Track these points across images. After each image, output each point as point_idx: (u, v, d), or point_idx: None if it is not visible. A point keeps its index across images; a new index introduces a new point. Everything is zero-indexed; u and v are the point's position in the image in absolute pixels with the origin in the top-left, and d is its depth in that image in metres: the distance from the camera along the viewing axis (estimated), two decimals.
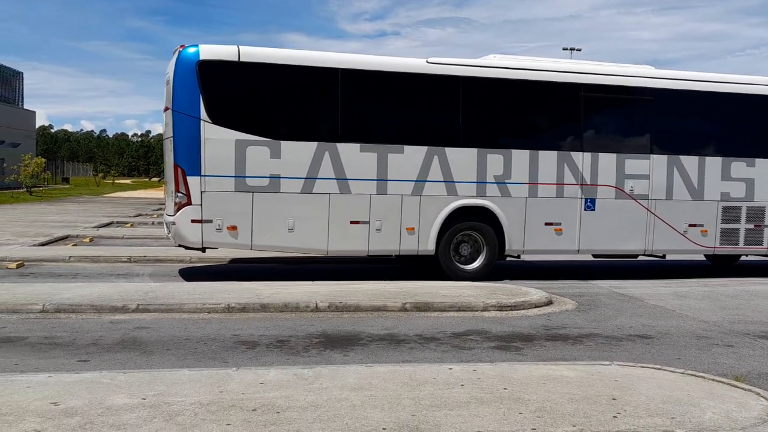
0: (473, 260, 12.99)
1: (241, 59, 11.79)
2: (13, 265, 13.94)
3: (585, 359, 7.78)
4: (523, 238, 12.97)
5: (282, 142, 11.94)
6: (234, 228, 11.74)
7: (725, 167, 13.85)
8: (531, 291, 11.30)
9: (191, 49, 11.67)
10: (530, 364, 7.28)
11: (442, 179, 12.52)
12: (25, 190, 47.50)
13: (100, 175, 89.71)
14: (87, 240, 18.90)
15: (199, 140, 11.55)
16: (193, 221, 11.63)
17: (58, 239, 18.77)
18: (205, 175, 11.59)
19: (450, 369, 6.81)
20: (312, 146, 12.03)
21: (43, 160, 52.04)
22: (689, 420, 5.47)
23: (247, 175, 11.76)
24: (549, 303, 10.89)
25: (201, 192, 11.59)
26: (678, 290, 12.69)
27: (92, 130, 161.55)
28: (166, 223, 12.73)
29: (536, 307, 10.60)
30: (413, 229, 12.48)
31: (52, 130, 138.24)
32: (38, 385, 5.99)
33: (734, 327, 9.68)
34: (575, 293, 12.00)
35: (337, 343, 8.25)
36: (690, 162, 13.67)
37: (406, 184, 12.40)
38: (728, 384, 6.53)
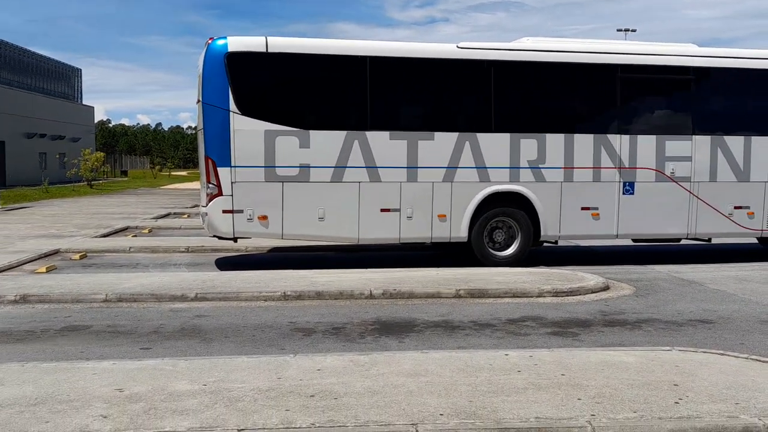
0: (508, 246, 12.85)
1: (269, 50, 11.84)
2: (77, 256, 14.35)
3: (644, 345, 7.65)
4: (559, 224, 12.78)
5: (311, 131, 11.99)
6: (265, 218, 11.86)
7: None
8: (587, 276, 11.14)
9: (220, 42, 11.80)
10: (588, 349, 7.20)
11: (474, 165, 12.41)
12: (85, 183, 48.80)
13: (157, 167, 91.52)
14: (146, 231, 19.33)
15: (228, 131, 11.69)
16: (224, 211, 11.79)
17: (118, 230, 19.25)
18: (235, 166, 11.73)
19: (506, 355, 6.78)
20: (341, 135, 12.05)
21: (102, 154, 53.35)
22: (754, 406, 5.34)
23: (276, 165, 11.85)
24: (606, 288, 10.72)
25: (231, 183, 11.73)
26: (739, 274, 12.36)
27: (148, 124, 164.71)
28: (201, 215, 12.93)
29: (593, 292, 10.45)
30: (445, 216, 12.40)
31: (110, 125, 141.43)
32: (103, 372, 6.17)
33: None
34: (633, 278, 11.80)
35: (392, 330, 8.29)
36: (735, 142, 13.24)
37: (437, 171, 12.33)
38: None
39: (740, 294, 10.57)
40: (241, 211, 11.81)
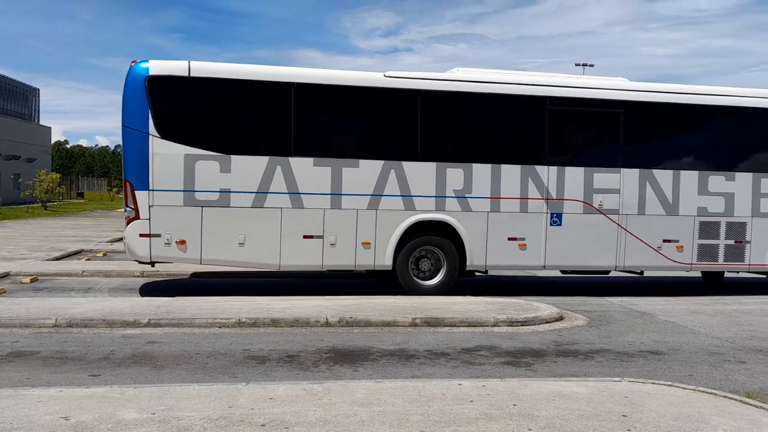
0: (435, 275, 12.85)
1: (192, 74, 11.83)
2: (27, 279, 14.04)
3: (596, 375, 7.74)
4: (486, 254, 12.79)
5: (232, 156, 11.95)
6: (183, 242, 11.78)
7: (702, 181, 13.49)
8: (542, 306, 11.26)
9: (142, 65, 11.77)
10: (540, 380, 7.25)
11: (399, 194, 12.41)
12: (40, 205, 47.87)
13: (115, 189, 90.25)
14: (100, 255, 19.01)
15: (147, 155, 11.63)
16: (141, 235, 11.68)
17: (71, 254, 18.90)
18: (153, 190, 11.65)
19: (459, 385, 6.80)
20: (263, 161, 12.03)
21: (58, 175, 52.48)
22: None
23: (196, 189, 11.79)
24: (560, 318, 10.84)
25: (149, 206, 11.65)
26: (691, 306, 12.61)
27: (107, 146, 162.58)
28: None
29: (547, 322, 10.55)
30: (369, 243, 12.38)
31: (68, 146, 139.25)
32: (49, 400, 6.02)
33: (747, 343, 9.60)
34: (587, 309, 11.96)
35: (347, 359, 8.25)
36: (664, 176, 13.38)
37: (361, 199, 12.32)
38: (740, 401, 6.48)
39: (690, 326, 10.77)
40: (158, 236, 11.70)
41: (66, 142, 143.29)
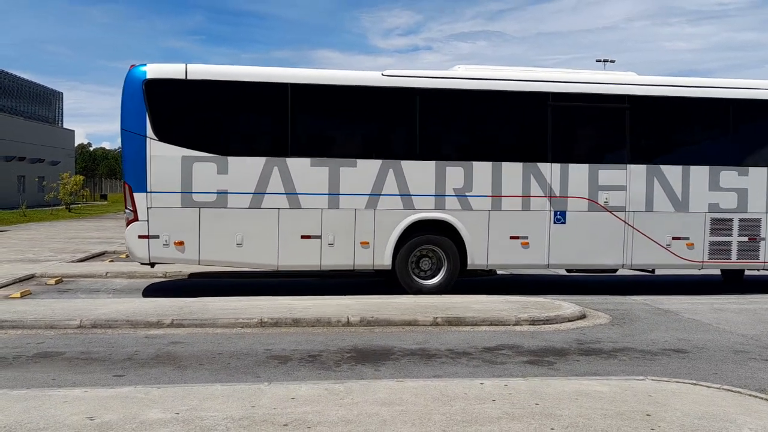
0: (436, 275, 12.78)
1: (189, 77, 11.92)
2: (52, 281, 14.22)
3: (619, 374, 7.69)
4: (487, 253, 12.67)
5: (229, 158, 12.02)
6: (181, 243, 11.88)
7: (713, 177, 13.19)
8: (564, 305, 11.20)
9: (140, 69, 11.91)
10: (563, 378, 7.22)
11: (398, 193, 12.36)
12: (64, 207, 48.41)
13: None
14: (124, 256, 19.17)
15: (145, 157, 11.77)
16: (140, 237, 11.82)
17: (95, 255, 19.10)
18: (151, 192, 11.78)
19: (481, 384, 6.78)
20: (260, 161, 12.08)
21: (82, 177, 53.03)
22: None
23: (193, 191, 11.88)
24: (582, 317, 10.78)
25: (147, 208, 11.78)
26: (716, 304, 12.47)
27: None
28: None
29: (569, 321, 10.50)
30: (368, 243, 12.35)
31: (91, 148, 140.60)
32: (74, 400, 6.09)
33: None
34: (609, 307, 11.87)
35: (369, 358, 8.27)
36: (672, 172, 13.12)
37: (359, 198, 12.30)
38: (765, 399, 6.40)
39: (715, 323, 10.66)
40: (156, 237, 11.83)
41: (89, 144, 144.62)
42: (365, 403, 6.08)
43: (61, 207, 48.87)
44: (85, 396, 6.24)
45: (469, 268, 12.77)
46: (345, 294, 12.35)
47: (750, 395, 6.56)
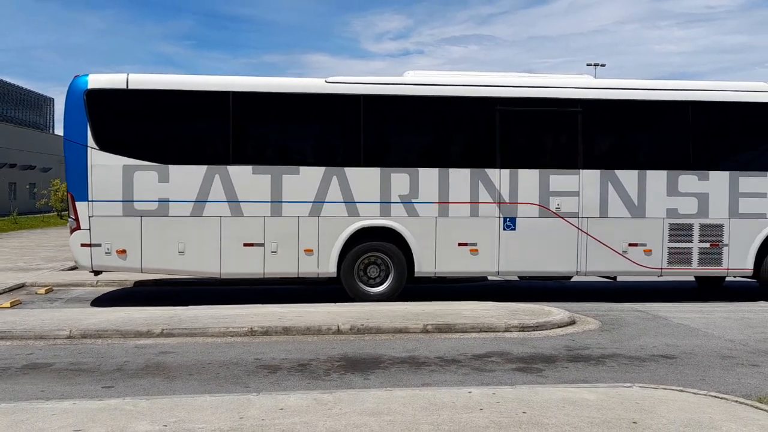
0: (384, 282, 12.67)
1: (130, 87, 12.01)
2: (42, 290, 14.19)
3: (607, 381, 7.73)
4: (435, 260, 12.56)
5: (170, 166, 12.06)
6: (123, 252, 11.95)
7: (671, 181, 12.86)
8: (553, 311, 11.24)
9: (83, 79, 12.01)
10: (551, 386, 7.25)
11: (342, 200, 12.33)
12: (55, 214, 48.24)
13: None
14: None
15: (86, 167, 11.88)
16: (82, 245, 11.90)
17: None
18: (92, 201, 11.87)
19: (469, 393, 6.81)
20: (201, 170, 12.10)
21: None
22: None
23: (135, 199, 11.96)
24: (572, 323, 10.82)
25: (89, 217, 11.87)
26: (705, 309, 12.52)
27: None
28: None
29: (559, 327, 10.54)
30: (312, 251, 12.33)
31: None
32: (62, 413, 6.10)
33: (760, 346, 9.54)
34: (599, 313, 11.92)
35: (358, 367, 8.29)
36: (628, 177, 12.82)
37: (302, 206, 12.27)
38: (752, 406, 6.45)
39: (704, 328, 10.72)
40: (99, 245, 11.90)
41: None
42: (353, 414, 6.10)
43: (52, 214, 48.70)
44: (73, 408, 6.24)
45: (416, 275, 12.66)
46: (334, 302, 12.35)
47: (736, 402, 6.60)
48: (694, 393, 6.90)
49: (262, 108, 12.54)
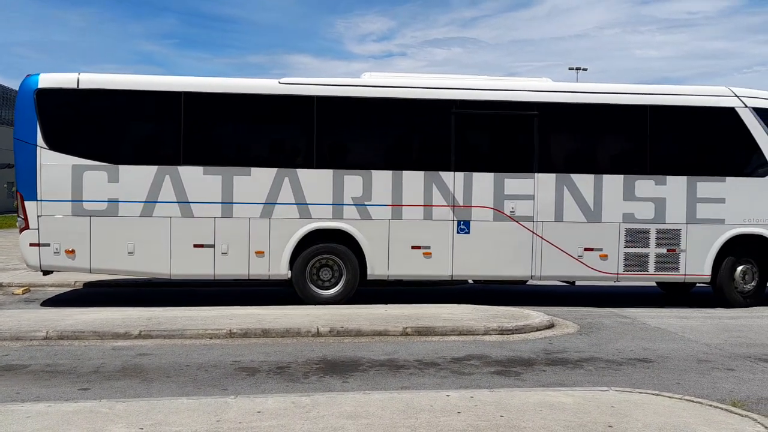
0: (336, 285, 12.62)
1: (80, 86, 11.99)
2: (19, 291, 14.06)
3: (584, 384, 7.79)
4: (388, 263, 12.50)
5: (120, 166, 12.03)
6: (72, 252, 11.93)
7: (628, 186, 12.76)
8: (532, 314, 11.30)
9: (33, 78, 11.98)
10: (528, 390, 7.29)
11: (294, 202, 12.29)
12: None
13: None
14: None
15: (35, 166, 11.84)
16: (31, 245, 11.89)
17: None
18: (41, 200, 11.84)
19: (447, 396, 6.84)
20: (152, 170, 12.08)
21: None
22: None
23: (84, 199, 11.93)
24: (551, 326, 10.89)
25: (38, 216, 11.84)
26: (682, 314, 12.62)
27: None
28: None
29: (538, 330, 10.59)
30: (263, 252, 12.29)
31: None
32: (37, 415, 6.05)
33: (736, 350, 9.65)
34: (578, 316, 11.98)
35: (337, 369, 8.28)
36: (584, 181, 12.72)
37: (253, 207, 12.23)
38: (725, 410, 6.52)
39: (680, 332, 10.82)
40: (47, 245, 11.88)
41: None
42: (331, 417, 6.10)
43: None
44: (48, 411, 6.19)
45: (369, 278, 12.61)
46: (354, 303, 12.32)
47: (711, 406, 6.67)
48: (670, 397, 6.96)
49: (214, 108, 12.53)
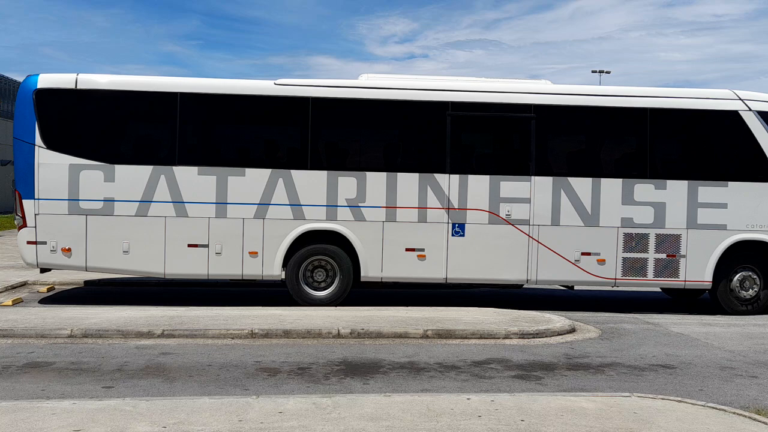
0: (330, 286, 12.61)
1: (78, 87, 12.17)
2: (44, 288, 14.23)
3: (606, 389, 7.75)
4: (381, 264, 12.49)
5: (116, 166, 12.17)
6: (68, 250, 12.10)
7: (627, 190, 12.59)
8: (554, 318, 11.25)
9: (33, 79, 12.21)
10: (549, 394, 7.27)
11: (288, 203, 12.33)
12: None
13: None
14: None
15: (33, 165, 12.05)
16: (28, 243, 12.12)
17: None
18: (38, 199, 12.04)
19: (468, 399, 6.83)
20: (147, 170, 12.19)
21: None
22: None
23: (80, 198, 12.08)
24: (572, 331, 10.84)
25: (35, 215, 12.05)
26: (705, 320, 12.50)
27: None
28: None
29: (559, 334, 10.55)
30: (257, 253, 12.33)
31: None
32: (62, 412, 6.13)
33: (760, 357, 9.54)
34: (600, 321, 11.91)
35: (358, 371, 8.31)
36: (581, 184, 12.57)
37: (247, 208, 12.29)
38: (749, 417, 6.46)
39: (703, 339, 10.72)
40: (44, 243, 12.08)
41: None
42: (352, 418, 6.13)
43: None
44: (73, 408, 6.27)
45: (362, 280, 12.60)
46: (347, 305, 12.36)
47: (734, 413, 6.61)
48: (693, 404, 6.91)
49: (210, 109, 12.65)
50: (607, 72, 55.02)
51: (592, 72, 55.31)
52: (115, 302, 12.70)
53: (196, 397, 6.91)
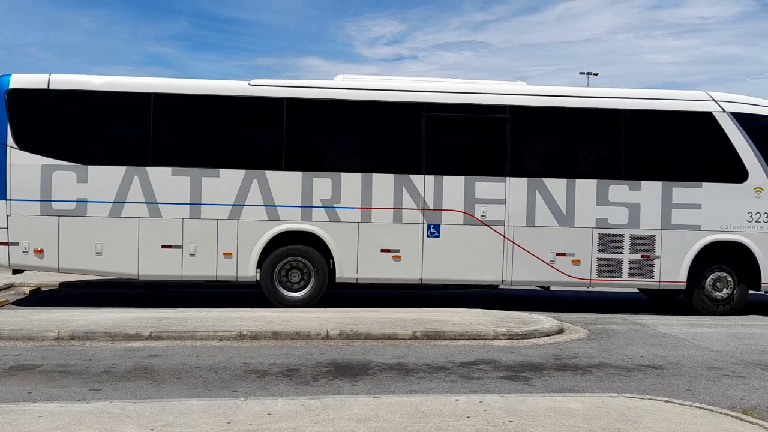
0: (305, 287, 12.62)
1: (51, 87, 12.11)
2: (31, 290, 14.13)
3: (594, 390, 7.78)
4: (357, 265, 12.48)
5: (89, 166, 12.12)
6: (41, 251, 12.06)
7: (601, 191, 12.63)
8: (542, 319, 11.29)
9: (4, 79, 12.14)
10: (537, 395, 7.29)
11: (263, 203, 12.31)
12: None
13: None
14: None
15: (5, 166, 11.97)
16: (1, 244, 12.04)
17: None
18: (10, 200, 11.98)
19: (457, 400, 6.84)
20: (120, 170, 12.14)
21: None
22: None
23: (53, 199, 12.04)
24: (560, 331, 10.87)
25: (7, 216, 11.99)
26: (692, 320, 12.59)
27: None
28: None
29: (547, 335, 10.59)
30: (231, 254, 12.32)
31: None
32: (49, 415, 6.09)
33: (746, 357, 9.62)
34: (588, 322, 11.97)
35: (347, 373, 8.30)
36: (556, 185, 12.61)
37: (222, 209, 12.27)
38: (736, 417, 6.50)
39: (690, 339, 10.78)
40: (16, 244, 12.03)
41: None
42: (341, 420, 6.12)
43: None
44: (60, 411, 6.23)
45: (337, 281, 12.59)
46: (323, 307, 12.37)
47: (721, 413, 6.65)
48: (680, 404, 6.94)
49: (184, 110, 12.58)
50: (595, 74, 55.21)
51: (580, 74, 55.62)
52: (102, 304, 12.63)
53: (184, 399, 6.88)
